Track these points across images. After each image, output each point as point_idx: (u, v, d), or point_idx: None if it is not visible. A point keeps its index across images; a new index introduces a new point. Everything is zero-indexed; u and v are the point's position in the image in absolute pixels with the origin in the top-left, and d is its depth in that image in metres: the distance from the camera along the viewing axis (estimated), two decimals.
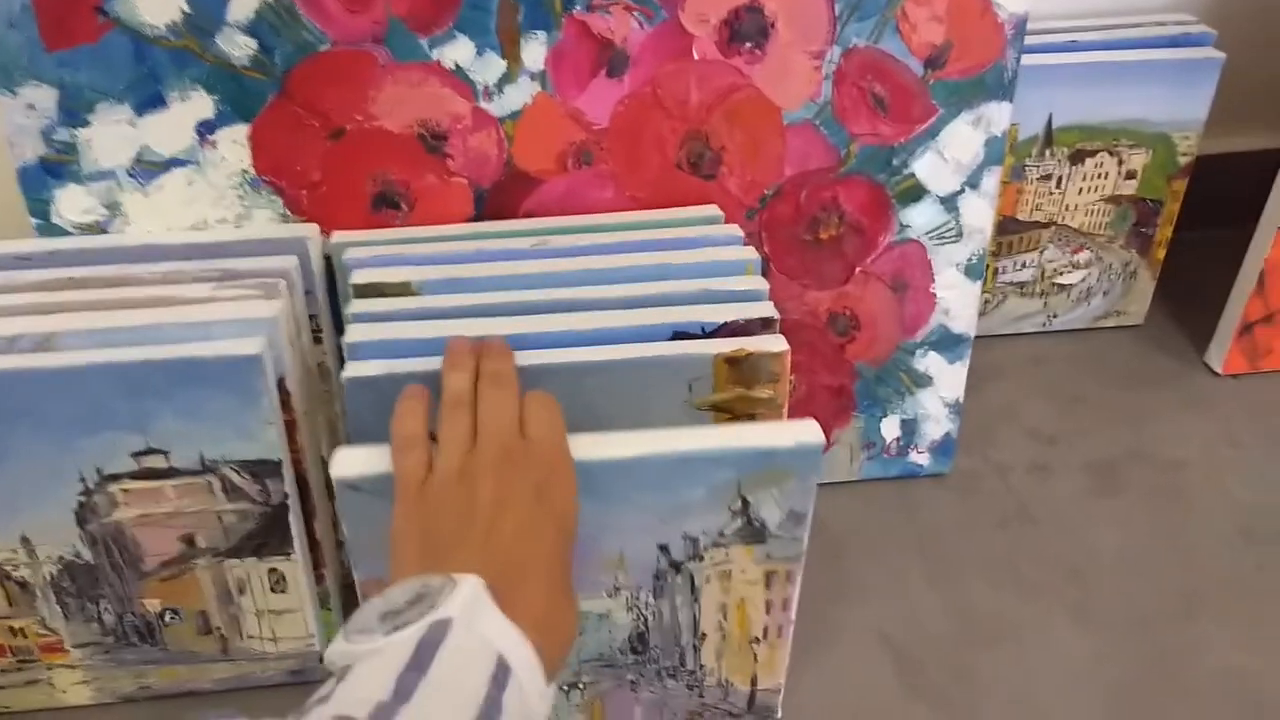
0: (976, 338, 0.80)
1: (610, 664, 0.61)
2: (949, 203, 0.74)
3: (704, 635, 0.61)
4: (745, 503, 0.56)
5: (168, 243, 0.65)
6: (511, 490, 0.49)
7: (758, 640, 0.61)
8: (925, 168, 0.72)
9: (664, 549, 0.57)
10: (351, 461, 0.53)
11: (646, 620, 0.59)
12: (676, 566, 0.58)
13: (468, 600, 0.42)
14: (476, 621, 0.42)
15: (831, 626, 0.62)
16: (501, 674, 0.41)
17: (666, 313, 0.60)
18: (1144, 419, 0.90)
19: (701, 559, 0.58)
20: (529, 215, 0.70)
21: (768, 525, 0.57)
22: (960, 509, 0.82)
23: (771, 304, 0.61)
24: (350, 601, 0.73)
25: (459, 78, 0.65)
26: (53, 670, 0.65)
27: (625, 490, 0.54)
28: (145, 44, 0.61)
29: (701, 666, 0.61)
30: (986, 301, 0.97)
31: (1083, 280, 0.97)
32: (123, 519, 0.61)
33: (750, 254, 0.65)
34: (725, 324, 0.59)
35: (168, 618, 0.64)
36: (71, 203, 0.65)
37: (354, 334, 0.58)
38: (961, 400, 0.81)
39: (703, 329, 0.60)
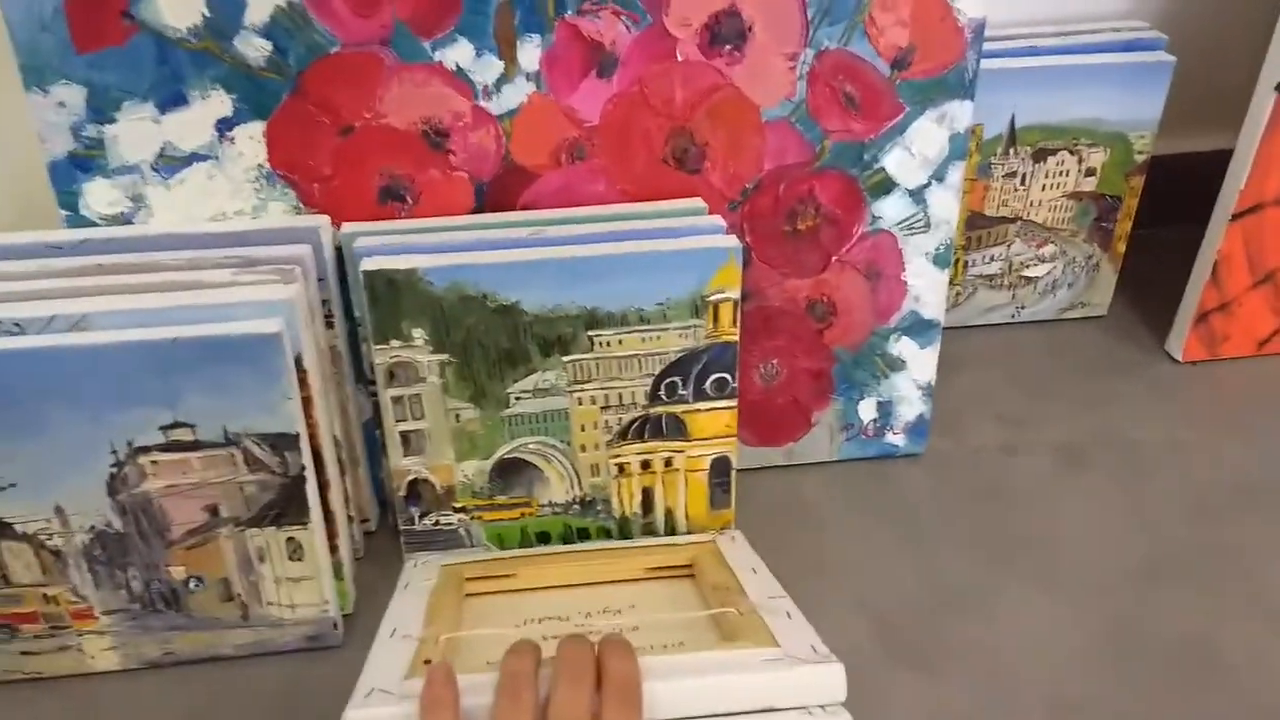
0: (948, 329, 0.84)
1: None
2: (917, 195, 0.78)
3: None
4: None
5: (189, 232, 0.69)
6: None
7: None
8: (894, 162, 0.77)
9: None
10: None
11: None
12: None
13: None
14: None
15: (814, 596, 0.65)
16: None
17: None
18: (1107, 404, 0.94)
19: None
20: (526, 207, 0.74)
21: None
22: (934, 486, 0.86)
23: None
24: (361, 574, 0.77)
25: (460, 78, 0.70)
26: (83, 636, 0.68)
27: None
28: (168, 46, 0.66)
29: None
30: (957, 294, 1.01)
31: (1048, 273, 1.02)
32: (151, 489, 0.65)
33: (732, 242, 0.69)
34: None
35: (192, 585, 0.68)
36: (99, 195, 0.70)
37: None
38: (933, 383, 0.85)
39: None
